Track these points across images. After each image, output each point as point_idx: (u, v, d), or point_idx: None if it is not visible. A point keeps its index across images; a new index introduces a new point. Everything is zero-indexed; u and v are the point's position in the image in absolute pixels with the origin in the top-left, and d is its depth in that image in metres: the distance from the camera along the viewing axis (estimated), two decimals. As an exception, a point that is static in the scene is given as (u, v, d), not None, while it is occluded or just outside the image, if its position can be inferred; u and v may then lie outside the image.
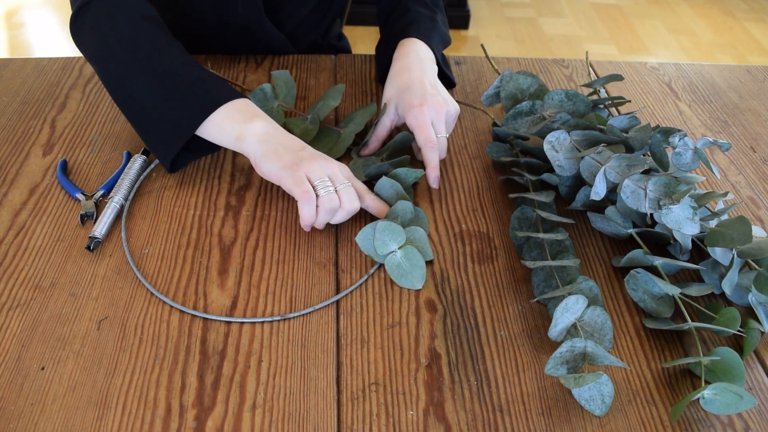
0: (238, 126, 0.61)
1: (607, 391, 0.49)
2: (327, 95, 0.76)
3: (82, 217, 0.62)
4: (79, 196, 0.64)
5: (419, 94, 0.69)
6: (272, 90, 0.74)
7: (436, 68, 0.76)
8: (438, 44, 0.79)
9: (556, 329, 0.51)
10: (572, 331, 0.52)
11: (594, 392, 0.49)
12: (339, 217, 0.59)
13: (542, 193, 0.62)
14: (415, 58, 0.74)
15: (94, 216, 0.62)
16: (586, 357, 0.50)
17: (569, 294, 0.53)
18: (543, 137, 0.63)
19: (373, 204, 0.62)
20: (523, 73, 0.74)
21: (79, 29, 0.68)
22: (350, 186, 0.59)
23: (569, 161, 0.62)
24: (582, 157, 0.60)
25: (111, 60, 0.64)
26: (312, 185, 0.58)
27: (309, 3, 0.90)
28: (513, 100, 0.73)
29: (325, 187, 0.58)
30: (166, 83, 0.62)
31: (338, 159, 0.70)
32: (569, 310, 0.51)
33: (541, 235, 0.58)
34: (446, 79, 0.83)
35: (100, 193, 0.64)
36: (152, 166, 0.69)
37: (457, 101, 0.81)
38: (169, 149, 0.63)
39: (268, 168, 0.59)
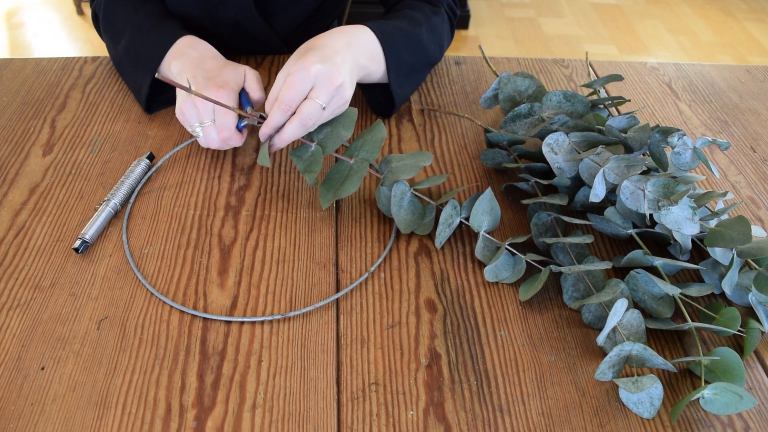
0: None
1: (656, 393, 0.49)
2: (336, 121, 0.64)
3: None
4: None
5: (316, 48, 0.61)
6: None
7: (364, 61, 0.67)
8: (397, 49, 0.72)
9: (604, 334, 0.51)
10: (611, 335, 0.53)
11: (643, 395, 0.49)
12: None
13: (555, 196, 0.61)
14: (340, 33, 0.66)
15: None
16: (630, 359, 0.50)
17: (613, 298, 0.54)
18: (542, 139, 0.63)
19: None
20: (521, 74, 0.74)
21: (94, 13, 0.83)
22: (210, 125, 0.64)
23: (569, 163, 0.62)
24: (581, 159, 0.60)
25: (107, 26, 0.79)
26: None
27: (302, 2, 0.88)
28: (511, 102, 0.73)
29: (192, 130, 0.65)
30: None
31: (353, 192, 0.60)
32: (616, 314, 0.51)
33: (569, 239, 0.57)
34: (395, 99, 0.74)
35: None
36: (153, 169, 0.69)
37: (426, 108, 0.81)
38: (140, 98, 0.76)
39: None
